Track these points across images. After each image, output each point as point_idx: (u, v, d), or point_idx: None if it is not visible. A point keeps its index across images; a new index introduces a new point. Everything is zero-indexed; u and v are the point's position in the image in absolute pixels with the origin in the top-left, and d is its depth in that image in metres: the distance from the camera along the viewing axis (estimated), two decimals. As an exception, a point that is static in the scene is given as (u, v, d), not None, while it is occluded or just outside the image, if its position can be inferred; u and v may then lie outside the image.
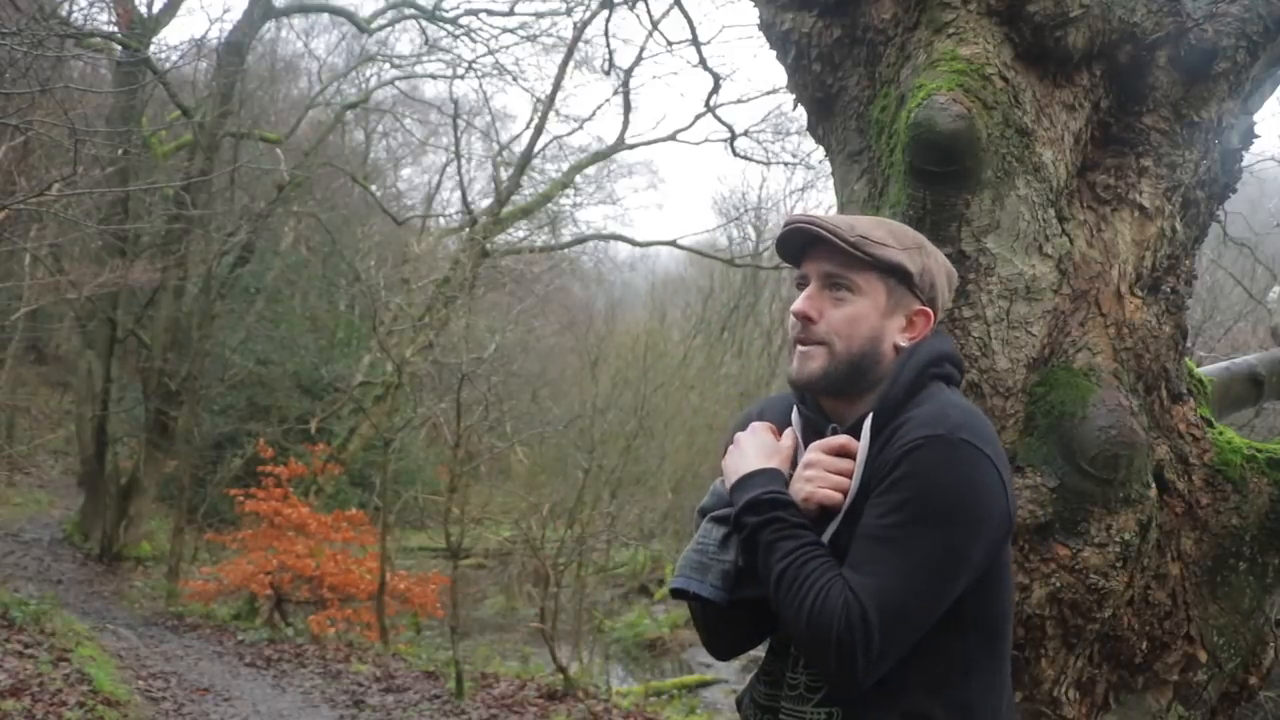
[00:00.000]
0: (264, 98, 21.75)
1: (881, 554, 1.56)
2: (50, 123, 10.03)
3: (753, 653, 1.94)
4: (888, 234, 1.72)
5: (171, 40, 30.21)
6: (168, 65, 16.48)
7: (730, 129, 17.63)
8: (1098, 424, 2.09)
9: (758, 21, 2.55)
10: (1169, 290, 2.35)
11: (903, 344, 1.71)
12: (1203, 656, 2.25)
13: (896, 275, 1.70)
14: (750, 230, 26.44)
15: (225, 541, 14.55)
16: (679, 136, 21.27)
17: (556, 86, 20.14)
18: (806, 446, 1.75)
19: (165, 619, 12.88)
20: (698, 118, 22.37)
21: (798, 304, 1.72)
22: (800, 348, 1.73)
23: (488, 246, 20.14)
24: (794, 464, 1.76)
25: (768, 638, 1.83)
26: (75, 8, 13.98)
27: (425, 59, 22.50)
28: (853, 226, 1.70)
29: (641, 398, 17.58)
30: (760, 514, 1.65)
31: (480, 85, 32.89)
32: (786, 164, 21.22)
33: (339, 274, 21.96)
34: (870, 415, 1.68)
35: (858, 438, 1.68)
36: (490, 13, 20.42)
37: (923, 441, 1.58)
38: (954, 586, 1.58)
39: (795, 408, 1.82)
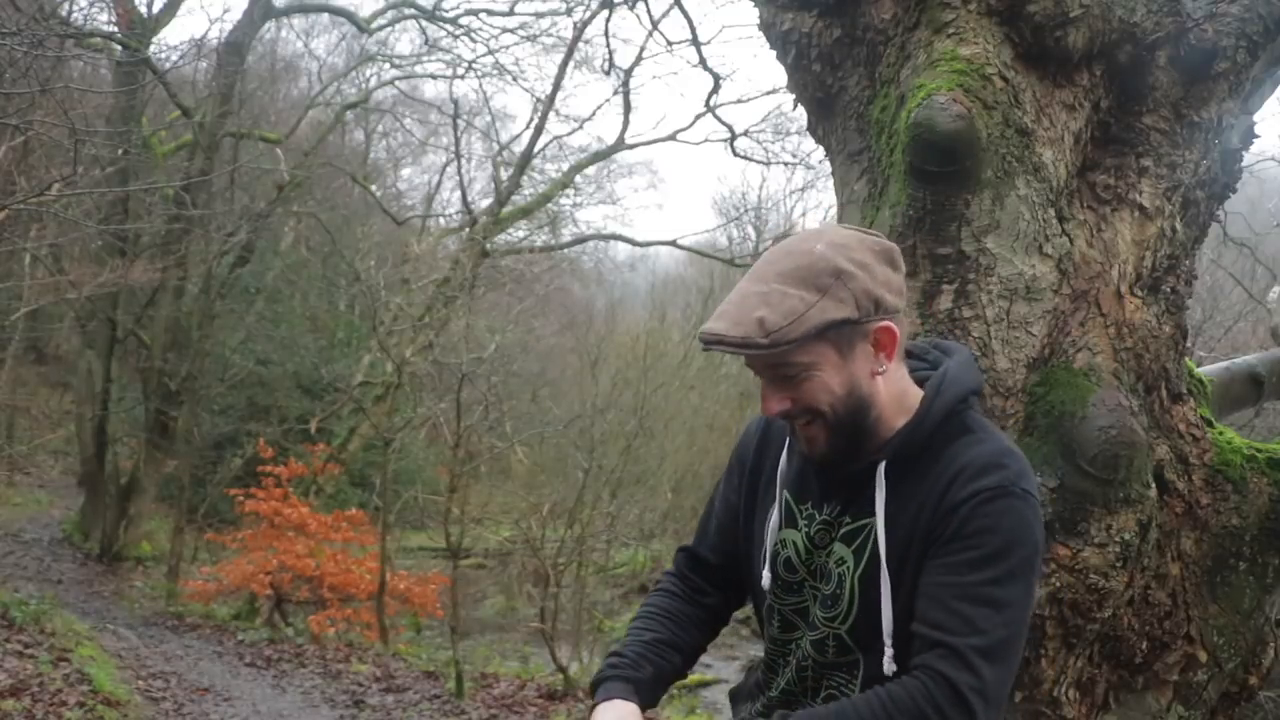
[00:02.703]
0: (264, 98, 21.75)
1: (980, 613, 1.55)
2: (50, 123, 10.03)
3: (753, 652, 1.94)
4: (800, 286, 1.56)
5: (171, 40, 30.19)
6: (168, 65, 16.48)
7: (730, 129, 17.67)
8: (1098, 424, 2.08)
9: (758, 21, 2.55)
10: (1169, 290, 2.35)
11: (880, 369, 1.63)
12: (1203, 656, 2.25)
13: (831, 329, 1.58)
14: (750, 230, 26.42)
15: (225, 541, 14.56)
16: (679, 136, 21.30)
17: (556, 86, 20.17)
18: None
19: (165, 619, 12.88)
20: (698, 118, 22.44)
21: (765, 407, 1.65)
22: (801, 431, 1.67)
23: (488, 246, 20.15)
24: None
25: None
26: (75, 8, 13.99)
27: (425, 59, 22.53)
28: (763, 320, 1.54)
29: (641, 398, 17.56)
30: None
31: (480, 85, 32.94)
32: (786, 164, 21.23)
33: (339, 274, 21.96)
34: (883, 464, 1.64)
35: (870, 481, 1.65)
36: (490, 13, 20.45)
37: (992, 494, 1.57)
38: (1026, 629, 1.62)
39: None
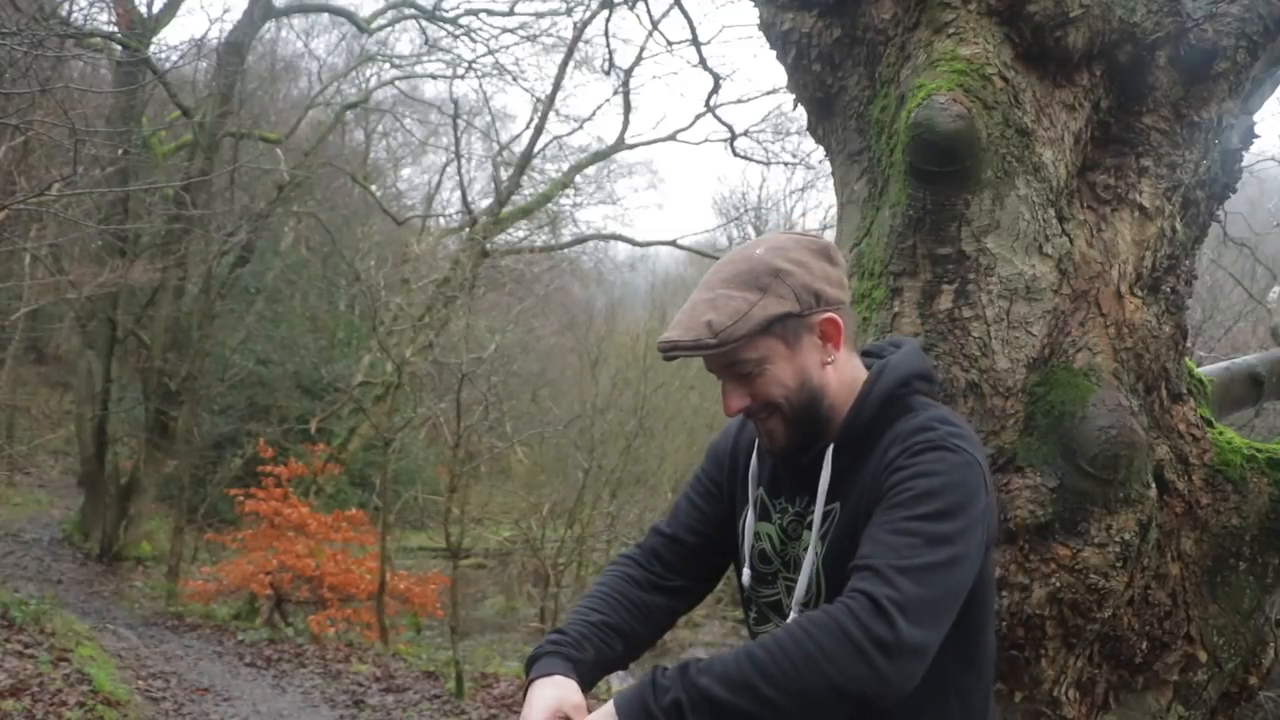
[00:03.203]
0: (264, 98, 21.75)
1: (905, 540, 1.54)
2: (50, 123, 10.03)
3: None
4: (743, 288, 1.67)
5: (171, 40, 30.23)
6: (168, 65, 16.48)
7: (730, 129, 17.67)
8: (1098, 424, 2.08)
9: (758, 21, 2.55)
10: (1169, 290, 2.35)
11: (829, 359, 1.71)
12: (1203, 656, 2.25)
13: (775, 324, 1.67)
14: (750, 230, 26.44)
15: (225, 541, 14.55)
16: (679, 136, 21.32)
17: (556, 86, 20.18)
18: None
19: (165, 619, 12.88)
20: (698, 118, 22.48)
21: (727, 406, 1.73)
22: (762, 426, 1.75)
23: (488, 246, 20.15)
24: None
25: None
26: (75, 8, 13.99)
27: (425, 59, 22.53)
28: (710, 323, 1.65)
29: (641, 398, 17.56)
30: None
31: (480, 85, 32.98)
32: (786, 164, 21.26)
33: (339, 274, 21.96)
34: (830, 446, 1.71)
35: (820, 466, 1.71)
36: (490, 13, 20.46)
37: (923, 446, 1.61)
38: (967, 578, 1.58)
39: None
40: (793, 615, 1.73)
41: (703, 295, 1.70)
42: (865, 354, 1.83)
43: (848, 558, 1.60)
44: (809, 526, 1.73)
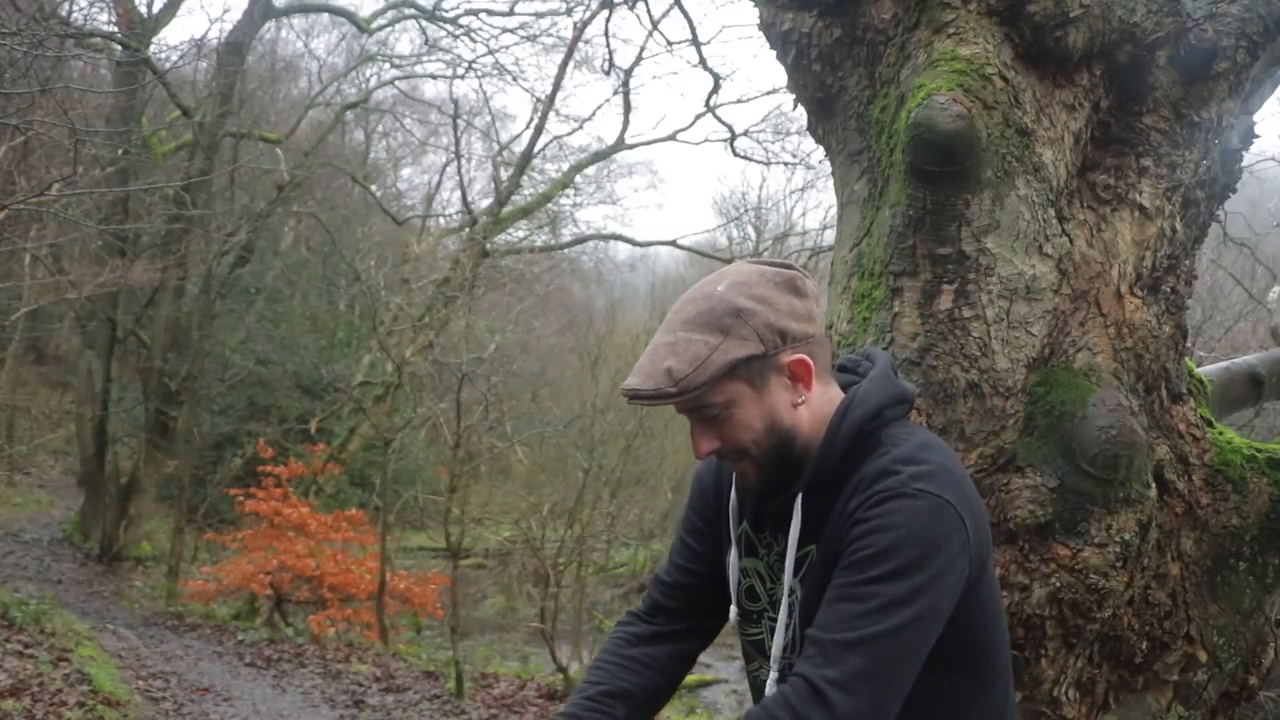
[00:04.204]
0: (264, 98, 21.75)
1: (855, 608, 1.52)
2: (50, 123, 10.03)
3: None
4: (703, 331, 1.60)
5: (171, 40, 30.23)
6: (168, 65, 16.49)
7: (730, 129, 17.69)
8: (1098, 424, 2.08)
9: (758, 21, 2.54)
10: (1169, 290, 2.35)
11: (800, 400, 1.64)
12: (1203, 656, 2.25)
13: (739, 367, 1.60)
14: (750, 230, 26.46)
15: (225, 541, 14.57)
16: (679, 136, 21.33)
17: (556, 86, 20.19)
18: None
19: (165, 619, 12.88)
20: (698, 118, 22.48)
21: (696, 449, 1.67)
22: (735, 466, 1.70)
23: (488, 246, 20.16)
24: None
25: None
26: (75, 8, 13.99)
27: (425, 59, 22.55)
28: (670, 370, 1.58)
29: (642, 398, 17.52)
30: None
31: (480, 85, 32.98)
32: (786, 164, 21.26)
33: (339, 274, 21.97)
34: (799, 495, 1.65)
35: (790, 514, 1.66)
36: (490, 13, 20.48)
37: (882, 496, 1.55)
38: (929, 634, 1.55)
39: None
40: (774, 658, 1.70)
41: (664, 338, 1.63)
42: (841, 369, 1.77)
43: (796, 597, 1.61)
44: (789, 551, 1.69)
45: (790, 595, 1.69)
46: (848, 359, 1.81)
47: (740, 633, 1.83)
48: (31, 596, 10.96)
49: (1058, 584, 2.09)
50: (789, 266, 1.70)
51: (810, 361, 1.64)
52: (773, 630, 1.72)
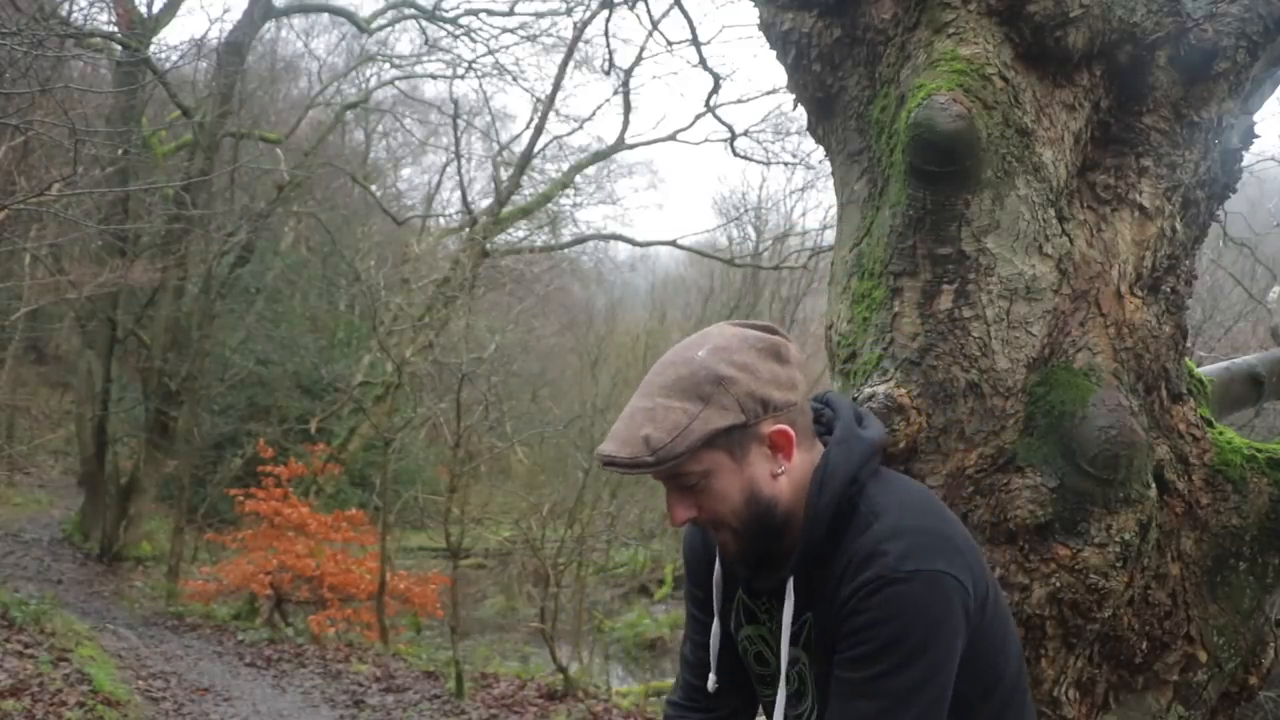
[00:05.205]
0: (264, 98, 21.76)
1: (871, 706, 1.53)
2: (50, 123, 10.04)
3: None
4: (682, 398, 1.55)
5: (171, 40, 30.23)
6: (168, 65, 16.50)
7: (730, 129, 17.66)
8: (1098, 424, 2.08)
9: (758, 21, 2.54)
10: (1169, 290, 2.35)
11: (780, 470, 1.61)
12: (1203, 656, 2.25)
13: (719, 437, 1.56)
14: (750, 230, 26.49)
15: (225, 541, 14.57)
16: (679, 136, 21.32)
17: (556, 86, 20.19)
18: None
19: (165, 619, 12.89)
20: (698, 118, 22.48)
21: (672, 516, 1.63)
22: (714, 536, 1.67)
23: (488, 246, 20.16)
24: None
25: None
26: (75, 8, 13.99)
27: (425, 59, 22.56)
28: (648, 438, 1.53)
29: (641, 398, 17.53)
30: None
31: (480, 85, 32.97)
32: (786, 164, 21.27)
33: (339, 274, 21.97)
34: (791, 579, 1.63)
35: (784, 594, 1.65)
36: (490, 13, 20.48)
37: (873, 587, 1.53)
38: (945, 700, 1.56)
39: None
40: None
41: (641, 403, 1.57)
42: (816, 420, 1.71)
43: (807, 670, 1.62)
44: (783, 640, 1.68)
45: (796, 664, 1.69)
46: (813, 405, 1.75)
47: (759, 695, 1.84)
48: (31, 596, 10.96)
49: (1058, 584, 2.09)
50: (773, 331, 1.66)
51: (791, 431, 1.60)
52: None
